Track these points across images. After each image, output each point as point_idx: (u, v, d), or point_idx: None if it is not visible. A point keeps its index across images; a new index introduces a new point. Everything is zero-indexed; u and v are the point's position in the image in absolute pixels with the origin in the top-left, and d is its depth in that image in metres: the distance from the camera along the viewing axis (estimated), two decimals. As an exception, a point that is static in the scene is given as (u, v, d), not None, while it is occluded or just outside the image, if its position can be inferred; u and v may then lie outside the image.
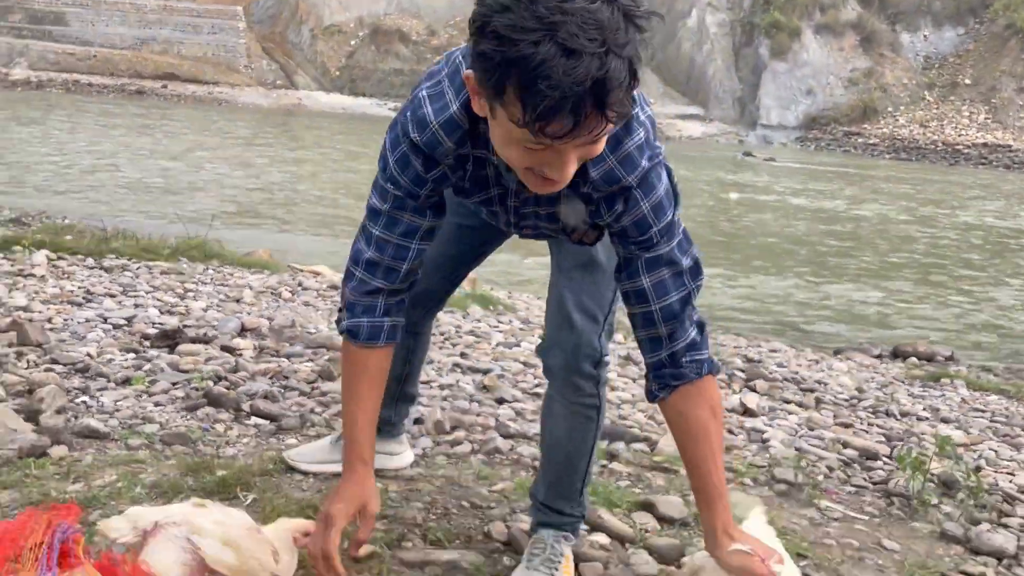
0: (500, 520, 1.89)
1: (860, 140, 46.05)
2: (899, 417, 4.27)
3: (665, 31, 51.42)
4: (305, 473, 2.03)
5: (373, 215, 1.51)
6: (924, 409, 4.58)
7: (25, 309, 3.79)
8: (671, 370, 1.46)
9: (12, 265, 4.76)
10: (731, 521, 1.47)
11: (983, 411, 4.81)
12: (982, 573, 2.08)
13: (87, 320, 3.77)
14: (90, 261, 5.23)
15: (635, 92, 1.24)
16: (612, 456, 2.73)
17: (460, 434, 2.71)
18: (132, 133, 19.96)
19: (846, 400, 4.50)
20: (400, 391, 2.07)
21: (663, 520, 2.12)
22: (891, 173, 30.74)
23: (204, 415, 2.60)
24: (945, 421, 4.40)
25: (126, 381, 2.85)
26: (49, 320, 3.69)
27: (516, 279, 9.15)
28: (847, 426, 3.86)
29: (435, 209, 1.51)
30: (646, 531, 2.03)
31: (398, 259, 1.51)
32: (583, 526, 1.90)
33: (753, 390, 4.40)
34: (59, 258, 5.14)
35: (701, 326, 1.48)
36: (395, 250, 1.50)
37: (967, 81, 45.67)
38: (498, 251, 1.92)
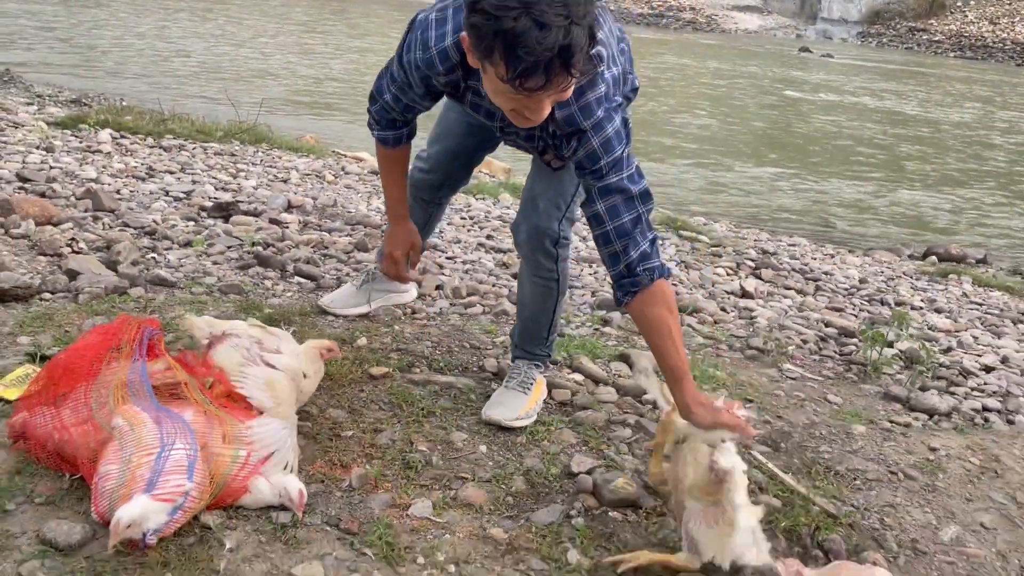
0: (493, 358, 2.30)
1: (925, 36, 43.90)
2: (893, 306, 4.54)
3: (727, -84, 48.97)
4: (336, 315, 2.45)
5: (392, 76, 1.88)
6: (921, 300, 4.84)
7: (95, 181, 4.20)
8: (629, 279, 1.73)
9: (80, 142, 5.16)
10: (695, 392, 1.69)
11: (980, 304, 5.04)
12: (908, 423, 2.42)
13: (151, 192, 4.17)
14: (150, 140, 5.60)
15: (603, 52, 1.59)
16: (605, 322, 3.10)
17: (474, 298, 3.09)
18: (194, 18, 20.10)
19: (845, 289, 4.76)
20: (424, 234, 2.44)
21: (635, 369, 2.50)
22: (959, 73, 29.49)
23: (254, 273, 3.02)
24: (938, 311, 4.65)
25: (187, 243, 3.28)
26: (117, 191, 4.11)
27: None
28: (838, 310, 4.15)
29: (435, 97, 1.87)
30: (618, 375, 2.41)
31: (407, 112, 1.93)
32: (565, 369, 2.29)
33: (758, 277, 4.68)
34: (122, 136, 5.50)
35: (652, 241, 1.75)
36: (404, 108, 1.92)
37: (1046, -25, 42.98)
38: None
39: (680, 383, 1.69)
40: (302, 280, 3.03)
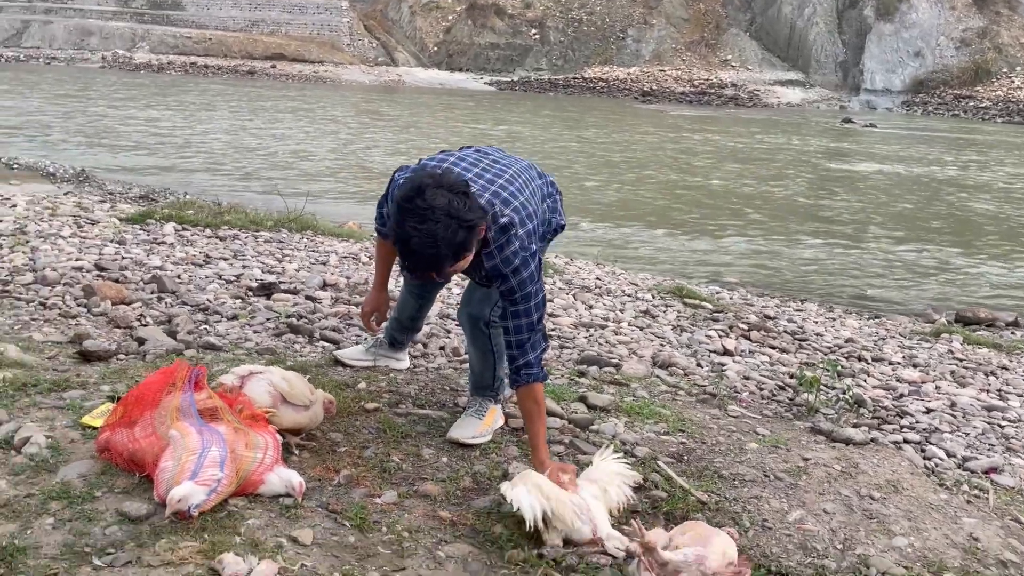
0: (466, 397, 2.87)
1: (971, 103, 44.06)
2: (869, 361, 4.96)
3: (763, -4, 50.39)
4: (345, 365, 3.08)
5: (385, 202, 2.65)
6: (901, 357, 5.24)
7: (160, 268, 4.95)
8: (515, 376, 2.43)
9: (148, 235, 5.96)
10: (543, 457, 2.36)
11: (960, 360, 5.40)
12: (823, 447, 2.89)
13: (206, 276, 4.89)
14: (208, 232, 6.38)
15: (515, 218, 2.33)
16: (581, 374, 3.65)
17: (466, 357, 3.68)
18: (246, 113, 21.68)
19: (828, 347, 5.20)
20: (411, 325, 3.21)
21: (591, 407, 3.04)
22: (1007, 139, 29.52)
23: (286, 339, 3.67)
24: (915, 366, 5.05)
25: (234, 317, 3.96)
26: (178, 276, 4.83)
27: (596, 248, 9.93)
28: (810, 364, 4.60)
29: None
30: (573, 413, 2.96)
31: None
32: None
33: (747, 338, 5.15)
34: (183, 228, 6.30)
35: (539, 354, 2.42)
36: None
37: (1090, 38, 42.96)
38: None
39: (535, 450, 2.40)
40: (326, 344, 3.66)
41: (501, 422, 2.69)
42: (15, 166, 12.34)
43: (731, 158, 20.31)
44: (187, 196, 11.32)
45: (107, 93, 25.26)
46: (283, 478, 2.11)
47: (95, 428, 2.33)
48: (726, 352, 4.66)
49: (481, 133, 22.02)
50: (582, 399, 3.10)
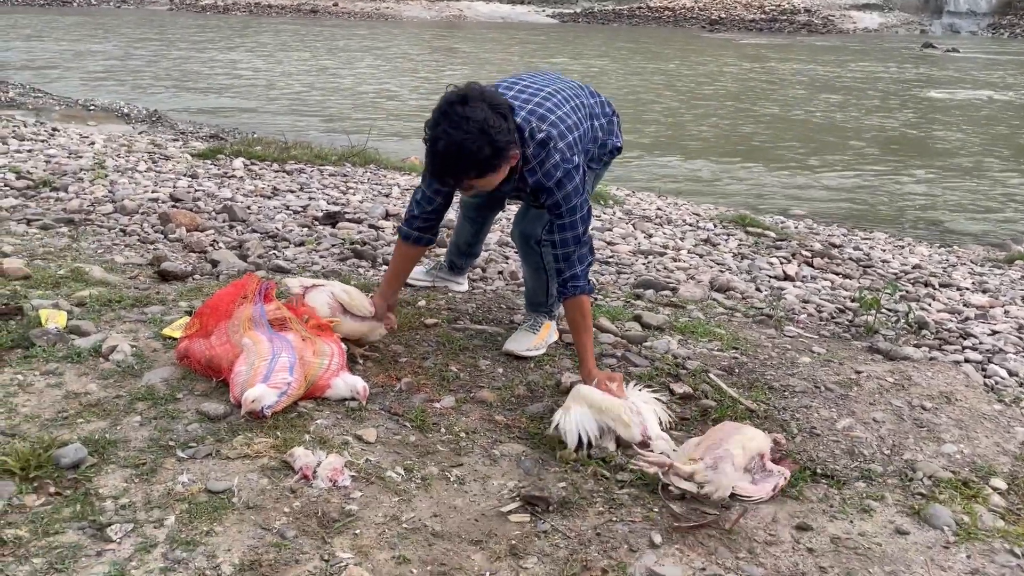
0: (520, 314, 2.96)
1: (1064, 24, 41.47)
2: (936, 287, 4.87)
3: (840, -86, 47.81)
4: (407, 284, 3.20)
5: (421, 178, 2.64)
6: (972, 283, 5.12)
7: (231, 199, 5.13)
8: (562, 289, 2.47)
9: (219, 169, 6.15)
10: (592, 369, 2.40)
11: (1033, 286, 5.24)
12: (878, 363, 2.89)
13: (274, 207, 5.05)
14: (275, 166, 6.55)
15: (552, 132, 2.36)
16: (637, 297, 3.69)
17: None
18: (324, 53, 21.84)
19: (894, 273, 5.11)
20: (468, 251, 3.27)
21: (646, 327, 3.10)
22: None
23: (351, 263, 3.80)
24: (984, 291, 4.94)
25: (301, 243, 4.11)
26: (248, 207, 5.01)
27: (656, 181, 9.86)
28: (874, 290, 4.54)
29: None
30: (627, 330, 3.02)
31: (429, 203, 2.61)
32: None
33: (810, 264, 5.09)
34: (252, 163, 6.47)
35: (585, 267, 2.46)
36: (428, 199, 2.61)
37: None
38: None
39: (583, 362, 2.43)
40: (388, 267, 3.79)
41: (555, 337, 2.77)
42: (91, 107, 12.76)
43: (810, 88, 19.63)
44: (255, 134, 11.60)
45: (186, 36, 25.68)
46: (348, 383, 2.24)
47: (175, 339, 2.49)
48: (787, 278, 4.63)
49: (560, 68, 21.71)
50: (636, 318, 3.16)
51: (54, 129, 7.86)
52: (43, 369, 2.28)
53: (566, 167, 2.38)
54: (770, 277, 4.61)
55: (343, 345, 2.36)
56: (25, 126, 7.80)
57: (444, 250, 4.17)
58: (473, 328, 2.79)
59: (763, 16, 45.03)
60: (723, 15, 45.04)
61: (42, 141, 6.72)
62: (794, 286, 4.42)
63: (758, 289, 4.27)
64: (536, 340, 2.69)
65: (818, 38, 38.84)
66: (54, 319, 2.54)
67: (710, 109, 16.02)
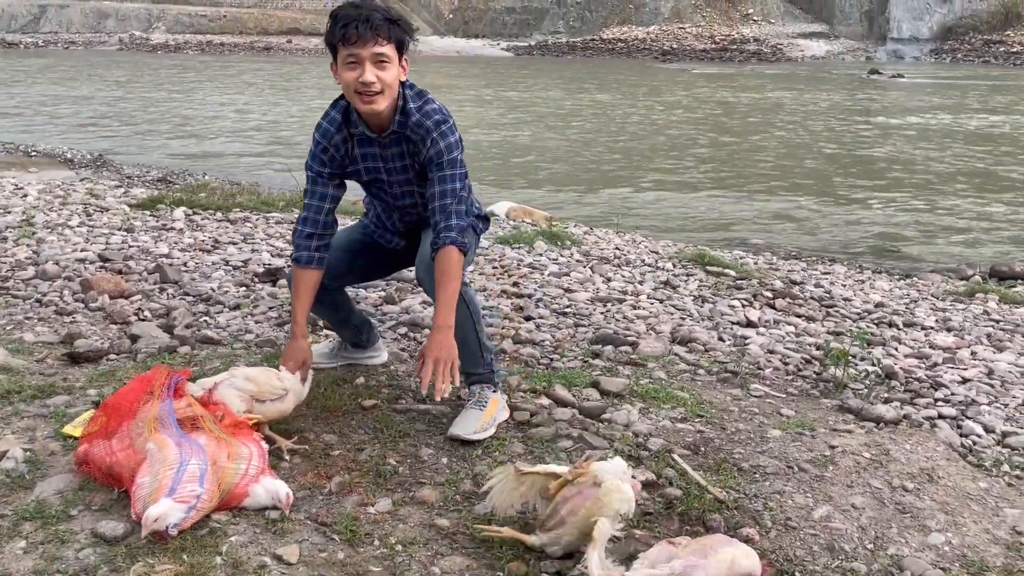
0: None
1: (1002, 49, 42.82)
2: (901, 327, 4.74)
3: (785, -55, 49.06)
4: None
5: (306, 179, 2.62)
6: (935, 321, 5.00)
7: (167, 256, 4.84)
8: (435, 238, 2.42)
9: (158, 220, 5.85)
10: (442, 323, 2.36)
11: (996, 321, 5.15)
12: (849, 430, 2.71)
13: (213, 263, 4.77)
14: (219, 215, 6.27)
15: (438, 107, 2.45)
16: (595, 355, 3.48)
17: (479, 339, 3.53)
18: (265, 89, 21.57)
19: (856, 313, 4.97)
20: (351, 322, 2.97)
21: (604, 394, 2.88)
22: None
23: (288, 329, 3.54)
24: (949, 330, 4.82)
25: (236, 306, 3.83)
26: (184, 264, 4.72)
27: (594, 216, 9.75)
28: (837, 334, 4.39)
29: (336, 176, 2.56)
30: (585, 400, 2.80)
31: (320, 207, 2.56)
32: (542, 396, 2.70)
33: (772, 307, 4.94)
34: (194, 213, 6.18)
35: (460, 225, 2.43)
36: (318, 200, 2.57)
37: None
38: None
39: (436, 313, 2.39)
40: (330, 332, 3.53)
41: (505, 415, 2.54)
42: (33, 153, 12.34)
43: (764, 115, 19.89)
44: (205, 177, 11.29)
45: (136, 77, 25.28)
46: (269, 489, 1.98)
47: (76, 438, 2.22)
48: (749, 324, 4.47)
49: (515, 101, 21.72)
50: (595, 384, 2.94)
51: (-14, 180, 7.49)
52: (-82, 485, 2.00)
53: (445, 117, 2.45)
54: (732, 324, 4.44)
55: (264, 444, 2.11)
56: (-46, 178, 7.44)
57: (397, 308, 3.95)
58: (416, 409, 2.55)
59: (714, 46, 45.90)
60: (675, 45, 45.79)
61: (-30, 195, 6.37)
62: (757, 333, 4.26)
63: (721, 339, 4.09)
64: (483, 419, 2.45)
65: (768, 66, 39.68)
66: (-61, 419, 2.25)
67: (666, 139, 16.10)
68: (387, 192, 2.64)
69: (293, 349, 2.49)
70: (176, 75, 26.42)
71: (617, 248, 6.66)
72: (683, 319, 4.49)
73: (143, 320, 3.49)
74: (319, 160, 2.55)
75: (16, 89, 21.40)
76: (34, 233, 5.12)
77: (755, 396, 3.10)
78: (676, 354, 3.65)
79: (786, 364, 3.67)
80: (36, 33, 40.95)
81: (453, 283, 2.38)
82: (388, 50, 2.35)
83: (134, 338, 3.13)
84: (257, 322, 3.64)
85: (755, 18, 49.02)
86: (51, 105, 18.54)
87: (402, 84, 2.45)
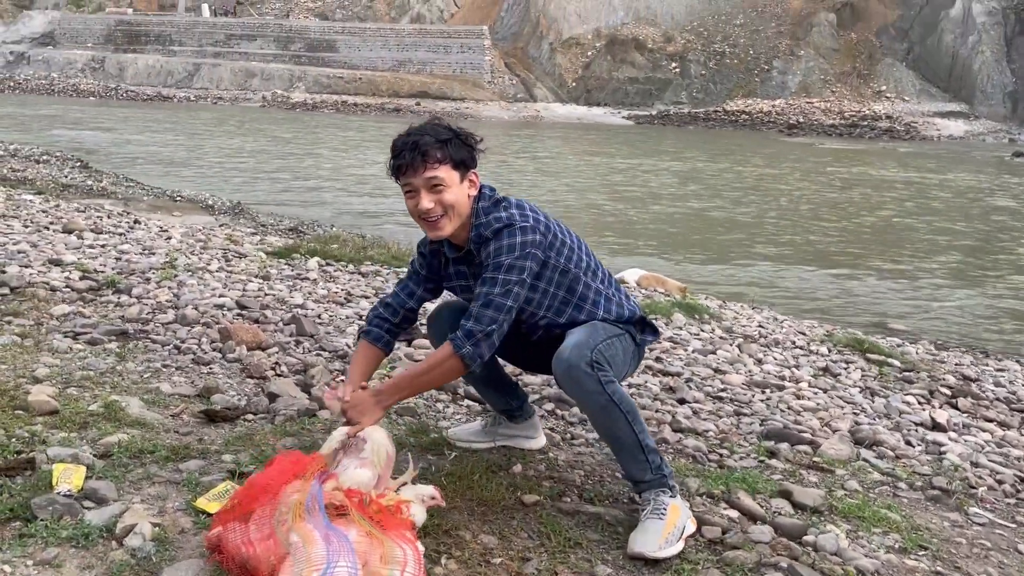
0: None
1: None
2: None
3: (924, 24, 47.62)
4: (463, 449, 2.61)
5: (407, 272, 2.54)
6: None
7: (301, 306, 4.70)
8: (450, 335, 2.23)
9: (292, 270, 5.78)
10: (375, 391, 2.24)
11: None
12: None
13: (347, 317, 4.59)
14: (351, 267, 6.17)
15: (516, 214, 2.25)
16: (772, 454, 3.04)
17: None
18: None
19: (1059, 421, 4.34)
20: (499, 381, 2.68)
21: (797, 506, 2.44)
22: None
23: (429, 395, 3.25)
24: None
25: (373, 366, 3.59)
26: (319, 316, 4.56)
27: (727, 288, 9.32)
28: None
29: (430, 280, 2.48)
30: (777, 513, 2.36)
31: (405, 299, 2.47)
32: (722, 504, 2.28)
33: (954, 407, 4.37)
34: (327, 264, 6.10)
35: (475, 328, 2.18)
36: (405, 293, 2.48)
37: None
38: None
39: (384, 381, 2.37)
40: (471, 403, 3.23)
41: (692, 527, 2.13)
42: (178, 199, 12.91)
43: (901, 195, 18.97)
44: (334, 228, 11.45)
45: (272, 131, 26.59)
46: (426, 603, 1.65)
47: (209, 514, 1.96)
48: (936, 426, 3.91)
49: (634, 168, 21.55)
50: (784, 494, 2.50)
51: (135, 221, 7.71)
52: (38, 557, 1.77)
53: (510, 222, 2.24)
54: (915, 424, 3.89)
55: (420, 546, 1.78)
56: (109, 216, 7.67)
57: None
58: (585, 511, 2.17)
59: (843, 121, 44.57)
60: (801, 119, 44.71)
61: (120, 235, 6.50)
62: (949, 439, 3.70)
63: (909, 443, 3.56)
64: (665, 530, 2.05)
65: (901, 144, 38.11)
66: (68, 478, 2.04)
67: (794, 213, 15.45)
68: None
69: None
70: (310, 131, 27.59)
71: (760, 326, 6.18)
72: (857, 414, 3.98)
73: (280, 375, 3.29)
74: (418, 260, 2.50)
75: (156, 137, 22.75)
76: (176, 275, 5.10)
77: (978, 524, 2.58)
78: (865, 460, 3.15)
79: (1000, 483, 3.11)
80: (189, 88, 43.93)
81: (421, 376, 2.25)
82: (443, 172, 2.22)
83: (272, 396, 2.90)
84: (396, 386, 3.38)
85: (888, 95, 47.52)
86: (196, 152, 19.54)
87: (478, 196, 2.31)
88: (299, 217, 12.51)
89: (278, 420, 2.68)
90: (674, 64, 49.60)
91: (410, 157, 2.20)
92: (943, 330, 8.24)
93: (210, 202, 12.85)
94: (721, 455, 2.96)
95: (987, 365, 6.28)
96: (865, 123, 44.16)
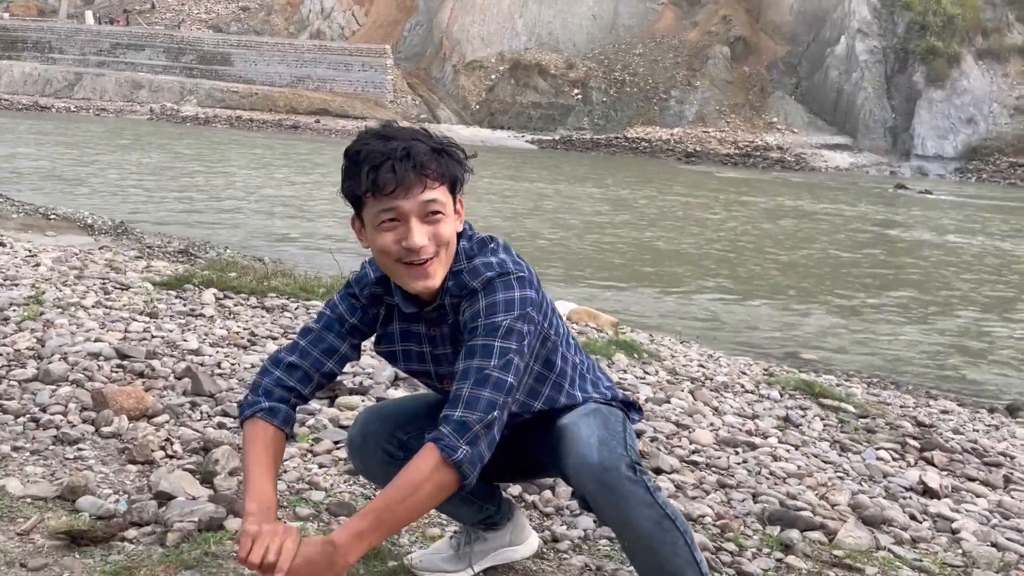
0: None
1: (1028, 172, 42.84)
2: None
3: (811, 59, 49.82)
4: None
5: (314, 320, 1.82)
6: None
7: (196, 352, 3.93)
8: (433, 433, 1.56)
9: (184, 304, 4.96)
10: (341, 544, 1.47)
11: None
12: None
13: (252, 365, 3.87)
14: (253, 300, 5.39)
15: (507, 259, 1.66)
16: (787, 547, 2.53)
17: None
18: (292, 167, 21.13)
19: (1033, 476, 4.06)
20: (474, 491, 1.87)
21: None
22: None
23: (364, 482, 2.60)
24: None
25: (292, 437, 2.89)
26: (218, 365, 3.81)
27: (649, 319, 9.08)
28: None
29: (356, 334, 1.79)
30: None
31: (319, 360, 1.77)
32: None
33: (931, 463, 4.03)
34: (225, 296, 5.31)
35: (467, 417, 1.54)
36: (320, 352, 1.77)
37: None
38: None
39: (350, 521, 1.53)
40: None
41: None
42: (52, 216, 11.67)
43: (795, 223, 19.41)
44: (227, 251, 10.52)
45: (161, 144, 25.10)
46: None
47: None
48: (927, 490, 3.53)
49: (537, 191, 21.27)
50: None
51: None
52: None
53: (504, 271, 1.64)
54: (906, 490, 3.50)
55: None
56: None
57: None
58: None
59: (737, 151, 45.98)
60: (698, 148, 45.85)
61: (-28, 261, 5.54)
62: (950, 509, 3.30)
63: (914, 518, 3.14)
64: None
65: (792, 174, 39.61)
66: None
67: (698, 242, 15.49)
68: (440, 389, 1.83)
69: (272, 531, 1.52)
70: (212, 147, 26.16)
71: (701, 365, 5.78)
72: (842, 478, 3.56)
73: (172, 456, 2.55)
74: (346, 305, 1.78)
75: (31, 150, 21.02)
76: (42, 313, 4.24)
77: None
78: (889, 550, 2.68)
79: (1020, 568, 2.70)
80: (70, 98, 41.29)
81: (399, 505, 1.49)
82: (440, 194, 1.60)
83: (162, 498, 2.17)
84: (322, 466, 2.70)
85: (779, 126, 49.45)
86: (73, 167, 18.07)
87: (459, 234, 1.69)
88: (188, 237, 11.52)
89: (171, 539, 1.95)
90: (576, 91, 50.23)
91: (401, 170, 1.54)
92: (849, 361, 8.32)
93: (89, 220, 11.66)
94: (732, 555, 2.43)
95: (930, 407, 6.11)
96: (758, 153, 45.75)
